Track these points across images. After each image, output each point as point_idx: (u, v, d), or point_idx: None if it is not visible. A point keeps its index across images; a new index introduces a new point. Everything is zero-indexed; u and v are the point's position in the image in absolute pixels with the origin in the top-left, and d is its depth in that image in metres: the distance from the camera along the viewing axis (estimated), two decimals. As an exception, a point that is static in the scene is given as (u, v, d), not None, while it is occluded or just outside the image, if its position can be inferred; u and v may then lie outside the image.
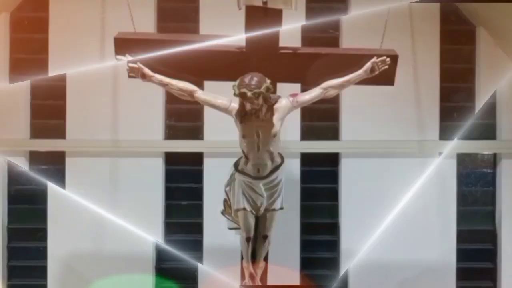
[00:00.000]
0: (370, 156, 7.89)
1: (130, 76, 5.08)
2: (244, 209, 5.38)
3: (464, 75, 8.14)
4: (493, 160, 8.07)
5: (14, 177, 7.89)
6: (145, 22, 7.18)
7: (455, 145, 7.87)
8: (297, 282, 7.69)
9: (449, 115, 8.05)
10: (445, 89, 8.07)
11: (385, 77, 5.13)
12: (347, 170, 7.91)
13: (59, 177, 7.84)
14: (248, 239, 5.54)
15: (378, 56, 5.04)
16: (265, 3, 4.95)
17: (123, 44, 4.96)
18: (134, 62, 4.80)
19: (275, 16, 5.14)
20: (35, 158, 7.95)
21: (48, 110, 7.91)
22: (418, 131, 7.95)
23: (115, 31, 5.56)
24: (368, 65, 5.00)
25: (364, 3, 7.36)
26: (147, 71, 4.99)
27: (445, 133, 7.98)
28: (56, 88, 7.80)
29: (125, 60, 4.86)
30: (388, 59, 5.03)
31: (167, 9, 7.77)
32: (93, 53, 7.53)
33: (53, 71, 7.59)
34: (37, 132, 7.95)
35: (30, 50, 7.71)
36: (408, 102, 7.96)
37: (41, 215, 7.78)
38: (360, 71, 5.05)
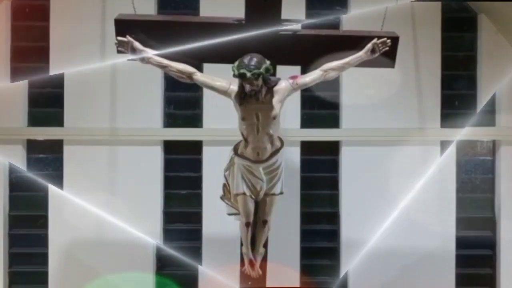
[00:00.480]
0: (371, 144, 7.83)
1: (119, 52, 4.96)
2: (244, 193, 5.32)
3: (465, 63, 8.10)
4: (493, 147, 7.98)
5: (14, 165, 7.82)
6: (146, 10, 7.10)
7: (455, 133, 7.79)
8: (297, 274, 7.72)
9: (451, 103, 7.98)
10: (447, 77, 8.03)
11: (385, 60, 5.06)
12: (347, 159, 7.84)
13: (57, 165, 7.79)
14: (247, 224, 5.47)
15: (379, 37, 4.97)
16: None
17: (124, 26, 4.86)
18: (125, 37, 4.72)
19: (275, 4, 5.08)
20: (32, 146, 7.91)
21: (46, 98, 7.84)
22: (419, 119, 7.91)
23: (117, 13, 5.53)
24: (368, 46, 4.93)
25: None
26: (137, 45, 4.89)
27: (446, 121, 7.90)
28: (53, 76, 7.69)
29: (127, 40, 4.77)
30: (388, 41, 4.96)
31: None
32: (94, 40, 7.51)
33: (54, 59, 7.56)
34: (34, 120, 7.86)
35: (31, 38, 7.68)
36: (409, 90, 7.91)
37: (42, 202, 7.72)
38: (360, 53, 4.98)
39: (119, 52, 4.90)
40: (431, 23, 7.94)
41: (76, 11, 7.62)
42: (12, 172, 7.84)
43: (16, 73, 7.72)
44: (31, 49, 7.69)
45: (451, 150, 7.87)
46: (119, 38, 4.79)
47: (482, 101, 7.95)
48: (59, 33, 7.64)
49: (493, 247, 7.87)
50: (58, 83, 7.75)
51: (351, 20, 7.65)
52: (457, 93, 8.04)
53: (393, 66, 5.23)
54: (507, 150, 7.90)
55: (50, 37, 7.67)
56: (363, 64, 5.16)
